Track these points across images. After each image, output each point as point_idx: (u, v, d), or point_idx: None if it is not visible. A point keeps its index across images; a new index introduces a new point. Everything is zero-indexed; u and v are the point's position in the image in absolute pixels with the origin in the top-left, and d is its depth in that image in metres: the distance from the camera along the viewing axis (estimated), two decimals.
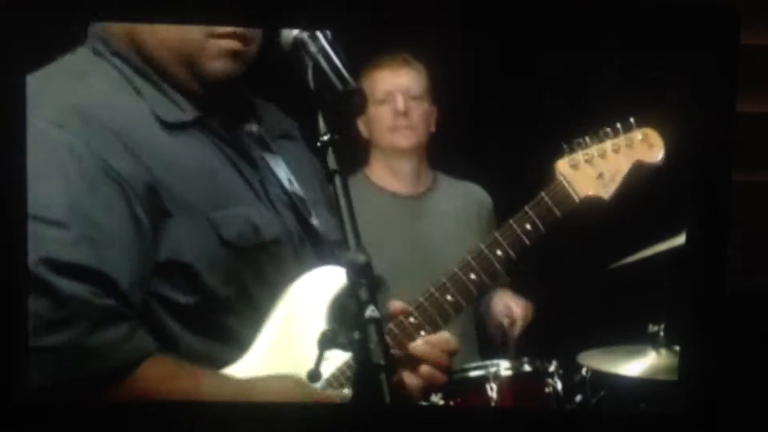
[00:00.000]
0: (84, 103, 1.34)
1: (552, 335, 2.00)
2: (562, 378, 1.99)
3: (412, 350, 1.51)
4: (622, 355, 2.04)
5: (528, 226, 1.63)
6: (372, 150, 2.26)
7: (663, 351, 2.02)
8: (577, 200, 1.67)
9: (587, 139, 1.67)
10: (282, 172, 1.53)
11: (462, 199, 2.16)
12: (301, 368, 1.29)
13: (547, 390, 1.96)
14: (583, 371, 2.02)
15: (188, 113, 1.43)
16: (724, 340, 1.90)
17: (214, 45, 1.40)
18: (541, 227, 1.64)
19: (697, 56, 1.81)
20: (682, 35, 1.83)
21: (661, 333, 1.96)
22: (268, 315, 1.46)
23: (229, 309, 1.42)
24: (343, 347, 1.15)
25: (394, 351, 1.41)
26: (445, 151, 2.13)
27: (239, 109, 1.54)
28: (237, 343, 1.44)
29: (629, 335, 1.86)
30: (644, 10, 1.79)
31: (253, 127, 1.55)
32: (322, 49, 1.23)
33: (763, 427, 2.11)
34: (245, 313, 1.43)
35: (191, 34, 1.40)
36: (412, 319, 1.53)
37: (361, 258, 1.13)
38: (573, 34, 1.94)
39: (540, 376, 1.97)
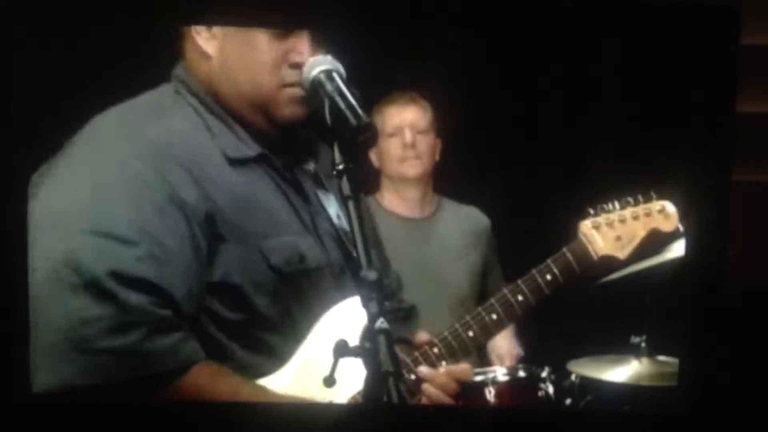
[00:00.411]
0: (160, 139, 1.49)
1: (544, 345, 2.08)
2: (553, 383, 2.13)
3: (432, 378, 1.65)
4: (607, 363, 2.20)
5: (548, 277, 1.78)
6: (382, 178, 2.41)
7: (644, 360, 2.17)
8: (595, 258, 1.82)
9: (610, 205, 1.82)
10: (332, 208, 1.67)
11: (464, 221, 2.35)
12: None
13: (540, 394, 2.09)
14: (572, 377, 2.18)
15: (252, 149, 1.57)
16: (723, 340, 1.90)
17: (286, 93, 1.55)
18: (560, 279, 1.80)
19: (697, 56, 1.81)
20: (683, 35, 1.84)
21: (643, 344, 2.13)
22: (306, 335, 1.58)
23: (272, 327, 1.55)
24: (355, 355, 1.25)
25: (413, 377, 1.61)
26: (448, 177, 2.33)
27: (299, 147, 1.68)
28: (276, 357, 1.57)
29: (614, 345, 2.01)
30: (645, 10, 1.79)
31: (310, 166, 1.69)
32: (337, 89, 1.40)
33: (763, 427, 2.11)
34: (286, 332, 1.56)
35: (265, 85, 1.56)
36: (435, 350, 1.68)
37: (372, 275, 1.25)
38: (573, 34, 1.94)
39: (533, 381, 2.10)
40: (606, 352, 1.99)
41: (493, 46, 2.01)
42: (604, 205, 1.83)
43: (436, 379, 1.65)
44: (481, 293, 2.29)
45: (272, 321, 1.56)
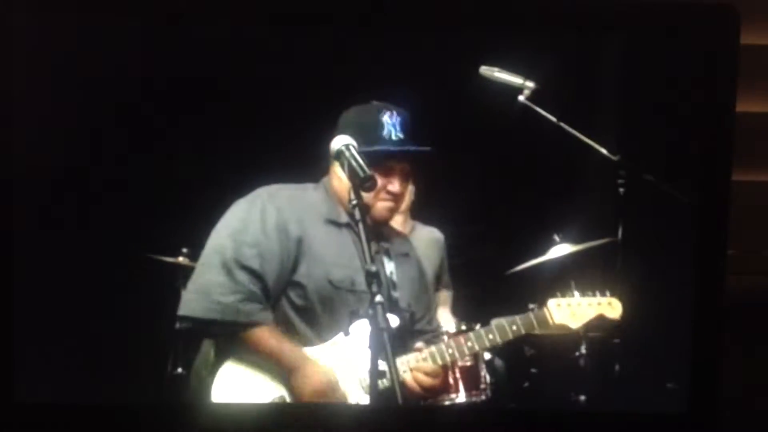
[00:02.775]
0: (290, 198, 2.45)
1: (477, 308, 2.76)
2: None
3: (414, 368, 2.42)
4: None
5: (514, 328, 2.47)
6: None
7: None
8: (552, 324, 2.54)
9: (575, 293, 2.57)
10: (389, 267, 2.50)
11: (428, 237, 3.23)
12: (351, 362, 2.32)
13: None
14: None
15: (343, 219, 2.45)
16: (723, 340, 1.90)
17: (382, 204, 2.41)
18: (522, 331, 2.49)
19: (697, 56, 1.81)
20: (683, 35, 1.83)
21: (536, 309, 2.85)
22: (343, 328, 2.38)
23: (323, 317, 2.38)
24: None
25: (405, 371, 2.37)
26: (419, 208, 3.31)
27: (379, 230, 2.50)
28: (321, 336, 2.38)
29: (517, 310, 2.65)
30: (645, 10, 1.79)
31: (384, 244, 2.52)
32: (352, 155, 2.11)
33: (763, 427, 2.12)
34: (332, 322, 2.38)
35: (372, 199, 2.40)
36: (422, 356, 2.39)
37: (372, 267, 1.96)
38: (573, 34, 1.94)
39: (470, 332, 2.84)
40: (514, 313, 2.62)
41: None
42: (571, 292, 2.58)
43: (415, 370, 2.39)
44: (437, 282, 3.14)
45: (324, 314, 2.37)
